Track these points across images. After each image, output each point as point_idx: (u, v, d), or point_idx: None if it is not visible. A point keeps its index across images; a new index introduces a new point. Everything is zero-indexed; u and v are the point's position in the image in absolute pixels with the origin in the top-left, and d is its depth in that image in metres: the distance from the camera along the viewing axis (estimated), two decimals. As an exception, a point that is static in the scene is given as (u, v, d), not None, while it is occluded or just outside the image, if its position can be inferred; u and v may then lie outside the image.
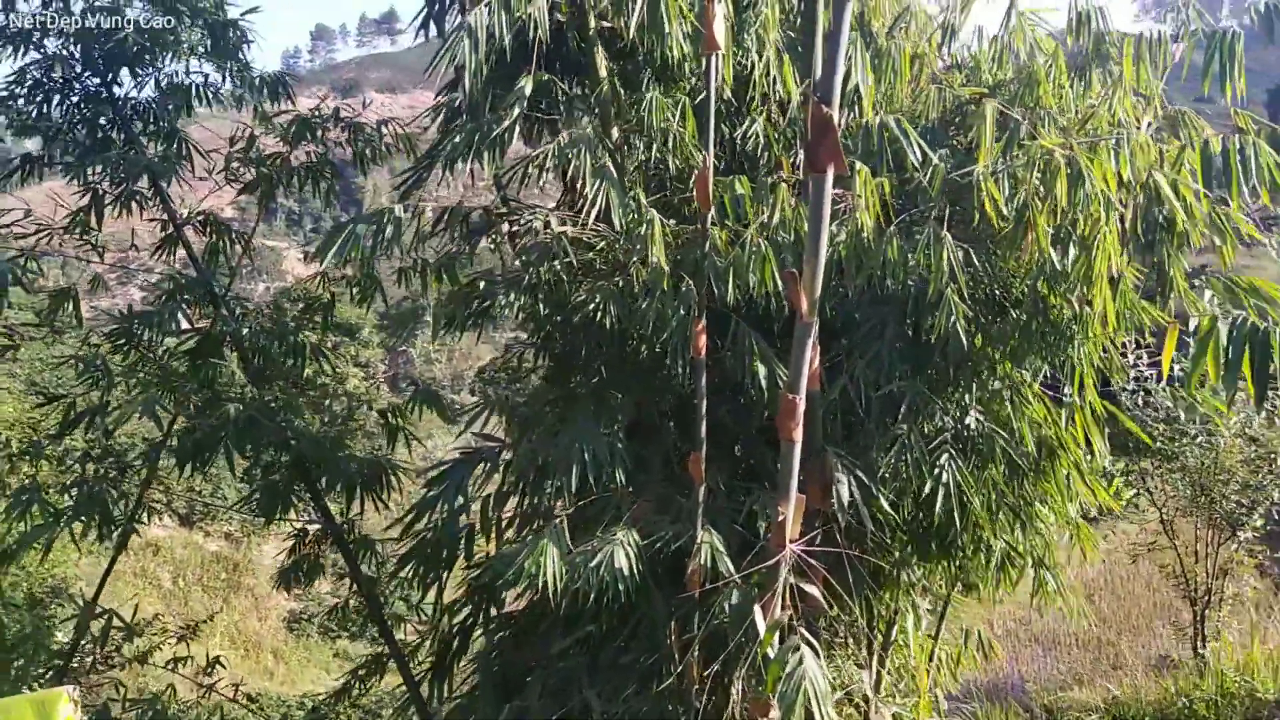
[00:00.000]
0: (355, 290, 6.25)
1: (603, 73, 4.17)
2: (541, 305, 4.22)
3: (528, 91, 4.00)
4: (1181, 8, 4.40)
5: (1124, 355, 5.03)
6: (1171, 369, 5.99)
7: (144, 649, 7.75)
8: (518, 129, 4.09)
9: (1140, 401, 7.39)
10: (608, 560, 4.08)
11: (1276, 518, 7.91)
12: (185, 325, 5.84)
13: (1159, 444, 7.21)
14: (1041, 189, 3.89)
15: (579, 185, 4.09)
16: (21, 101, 5.64)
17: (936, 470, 4.38)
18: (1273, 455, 7.57)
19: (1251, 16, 3.83)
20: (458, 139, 4.01)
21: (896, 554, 5.08)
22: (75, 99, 5.84)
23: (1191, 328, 3.21)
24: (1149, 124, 4.46)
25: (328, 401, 6.94)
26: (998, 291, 4.74)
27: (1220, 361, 3.02)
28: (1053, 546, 5.02)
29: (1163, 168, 4.05)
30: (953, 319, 4.00)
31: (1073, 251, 4.03)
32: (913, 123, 4.65)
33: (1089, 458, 4.78)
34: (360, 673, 6.24)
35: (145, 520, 6.08)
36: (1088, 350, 4.44)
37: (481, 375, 6.38)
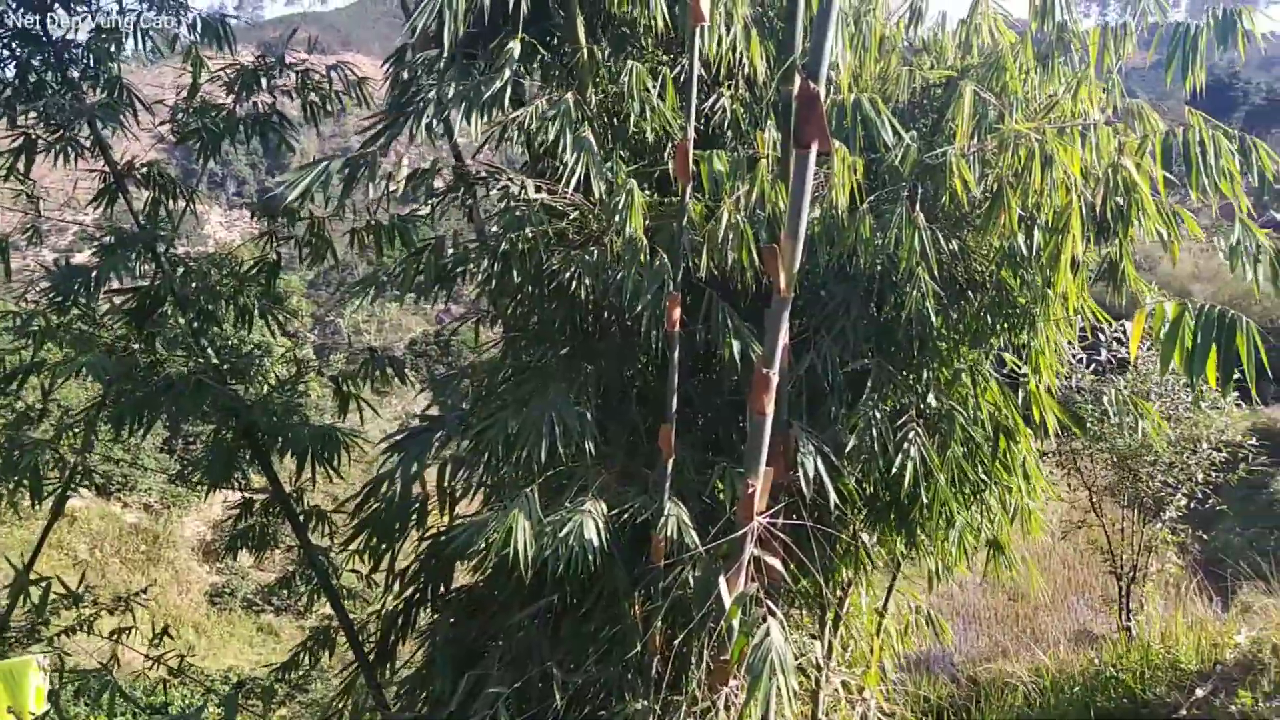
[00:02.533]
0: (306, 250, 6.07)
1: (582, 39, 4.12)
2: (513, 274, 4.16)
3: (517, 53, 3.93)
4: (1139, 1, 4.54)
5: (1069, 343, 5.19)
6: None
7: (75, 620, 7.50)
8: (508, 91, 4.02)
9: (1073, 385, 7.66)
10: (577, 530, 4.07)
11: (1199, 498, 8.29)
12: (124, 284, 5.60)
13: (1088, 426, 7.48)
14: (1013, 172, 3.97)
15: (556, 152, 4.04)
16: None
17: (906, 446, 4.48)
18: (1197, 438, 7.93)
19: (1208, 21, 3.95)
20: (450, 91, 3.90)
21: (856, 528, 5.19)
22: (5, 35, 5.49)
23: (1148, 315, 3.33)
24: (1107, 114, 4.60)
25: (270, 364, 6.75)
26: (960, 273, 4.85)
27: (1186, 349, 3.14)
28: (1006, 523, 5.19)
29: (1123, 157, 4.18)
30: (924, 297, 4.07)
31: (1038, 235, 4.14)
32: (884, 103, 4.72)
33: (1043, 438, 4.93)
34: (309, 645, 6.14)
35: (86, 486, 5.85)
36: (1048, 333, 4.58)
37: (413, 347, 6.27)
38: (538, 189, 4.13)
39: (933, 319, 4.21)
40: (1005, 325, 4.58)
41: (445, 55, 3.85)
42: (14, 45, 5.50)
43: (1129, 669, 7.02)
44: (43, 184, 5.81)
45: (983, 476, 4.83)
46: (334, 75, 5.91)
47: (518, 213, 4.08)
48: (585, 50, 4.13)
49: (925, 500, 4.53)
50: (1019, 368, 4.85)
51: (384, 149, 4.02)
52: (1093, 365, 7.89)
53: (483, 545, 4.07)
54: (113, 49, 5.70)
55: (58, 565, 20.13)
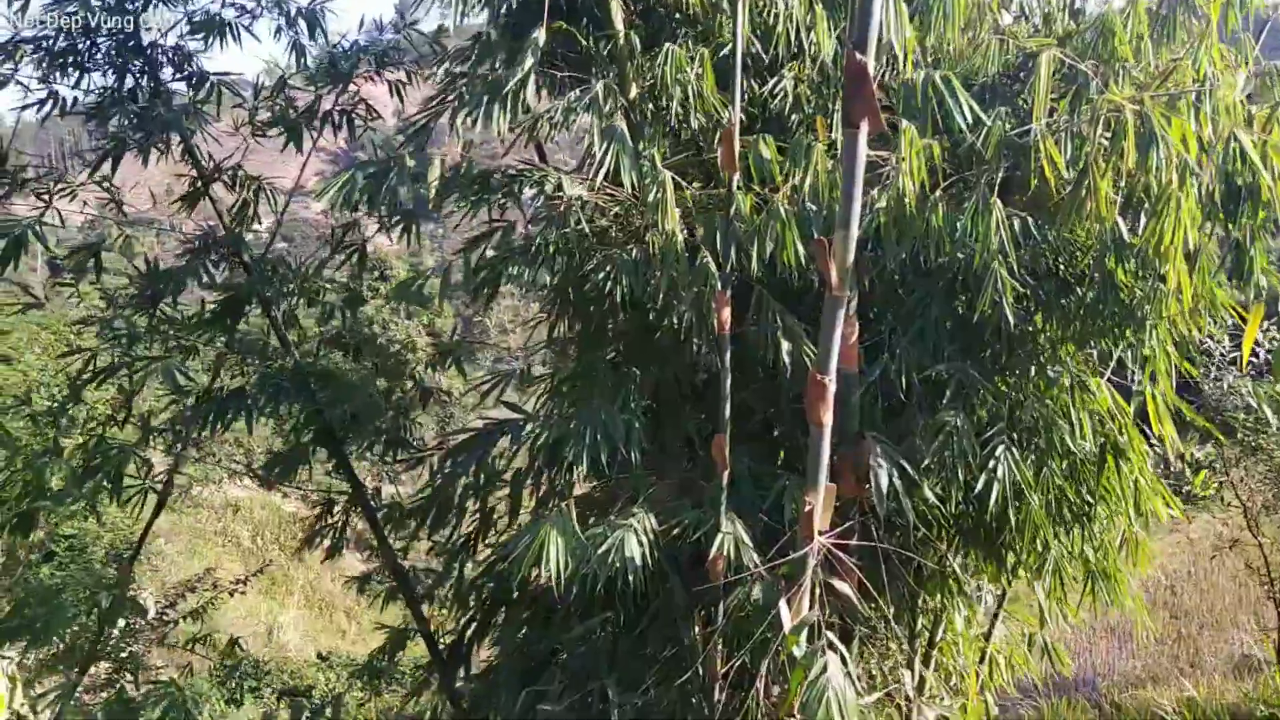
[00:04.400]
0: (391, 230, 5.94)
1: (619, 25, 3.84)
2: (553, 276, 3.94)
3: (541, 42, 3.70)
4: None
5: (1204, 341, 4.51)
6: (1254, 355, 5.44)
7: (201, 603, 7.89)
8: (532, 83, 3.80)
9: (1224, 388, 6.79)
10: (617, 547, 3.82)
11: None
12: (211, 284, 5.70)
13: (1241, 435, 6.61)
14: (1107, 149, 3.44)
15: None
16: (49, 43, 5.43)
17: (991, 463, 4.00)
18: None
19: None
20: (467, 93, 3.75)
21: (942, 550, 4.71)
22: (102, 41, 5.63)
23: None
24: (1242, 80, 3.95)
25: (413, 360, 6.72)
26: (1062, 265, 4.30)
27: None
28: (1112, 551, 4.57)
29: (1251, 130, 3.56)
30: (999, 296, 3.58)
31: (1141, 221, 3.58)
32: (968, 79, 4.22)
33: (1160, 451, 4.32)
34: (386, 648, 6.14)
35: (183, 483, 6.03)
36: (1161, 334, 3.98)
37: (552, 344, 6.10)
38: (576, 185, 3.88)
39: (1009, 319, 3.70)
40: (1112, 324, 4.00)
41: (477, 45, 3.65)
42: (112, 53, 5.63)
43: (1284, 709, 6.19)
44: (134, 184, 5.96)
45: (1087, 498, 4.26)
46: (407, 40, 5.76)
47: (553, 211, 3.85)
48: (622, 35, 3.85)
49: (1016, 523, 4.02)
50: (1132, 374, 4.26)
51: (420, 148, 3.87)
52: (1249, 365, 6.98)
53: (518, 563, 3.86)
54: (212, 46, 5.76)
55: (223, 553, 21.48)
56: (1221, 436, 5.94)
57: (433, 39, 5.50)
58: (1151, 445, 4.38)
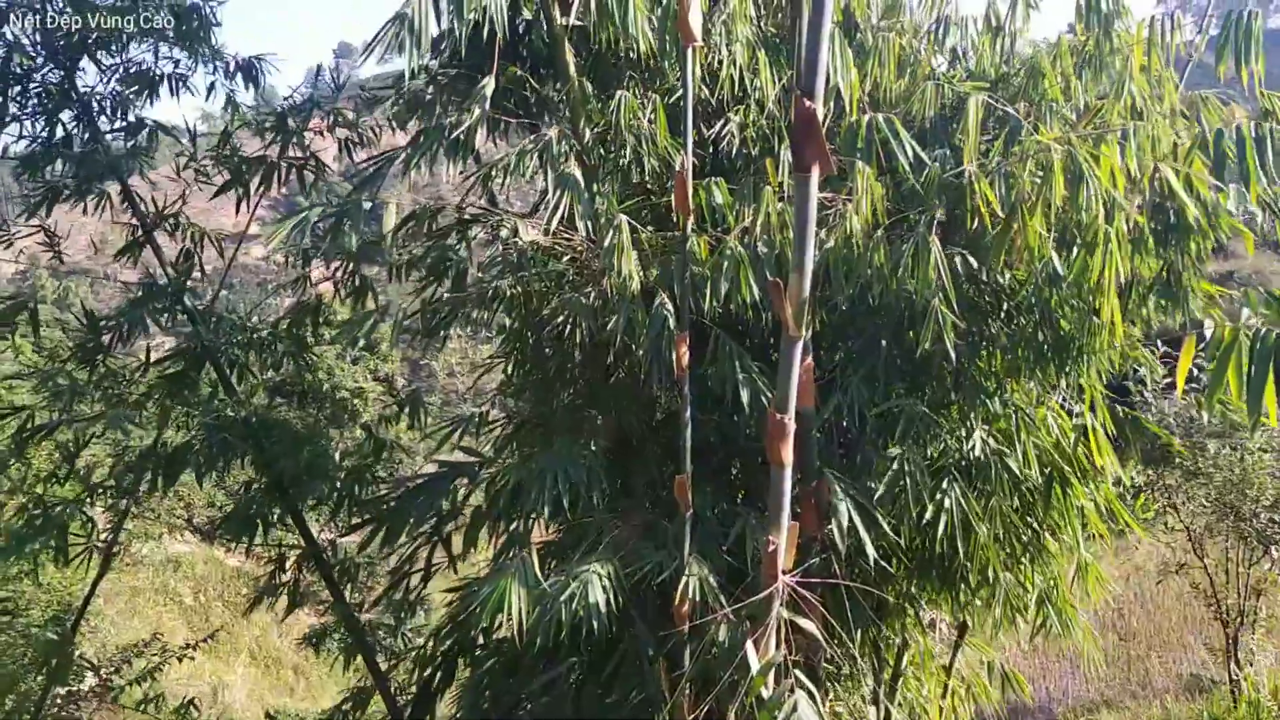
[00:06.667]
0: (344, 291, 5.90)
1: (571, 71, 3.90)
2: (510, 320, 3.94)
3: (489, 92, 3.74)
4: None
5: (1136, 368, 4.66)
6: (1189, 378, 5.61)
7: (148, 667, 7.59)
8: (482, 130, 3.83)
9: (1158, 412, 7.00)
10: (581, 594, 3.79)
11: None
12: (157, 339, 5.59)
13: (1179, 460, 6.81)
14: (1039, 187, 3.57)
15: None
16: None
17: (939, 497, 4.07)
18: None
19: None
20: (419, 141, 3.76)
21: (901, 584, 4.76)
22: (35, 90, 5.52)
23: (1207, 336, 2.89)
24: (1167, 111, 4.13)
25: (319, 410, 6.64)
26: (1003, 301, 4.43)
27: (1242, 378, 2.69)
28: (1061, 581, 4.66)
29: (1175, 160, 3.72)
30: (941, 332, 3.67)
31: (1073, 255, 3.71)
32: (908, 121, 4.36)
33: (1101, 480, 4.43)
34: (345, 707, 5.97)
35: (120, 541, 5.84)
36: (1098, 363, 4.11)
37: (503, 389, 6.06)
38: (539, 230, 3.90)
39: (951, 355, 3.80)
40: (1049, 355, 4.12)
41: (429, 92, 3.68)
42: (44, 100, 5.54)
43: (1237, 729, 6.31)
44: (69, 233, 5.84)
45: (1035, 528, 4.34)
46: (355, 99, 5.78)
47: (511, 256, 3.87)
48: (575, 83, 3.91)
49: (966, 554, 4.08)
50: (1071, 402, 4.38)
51: (371, 194, 3.87)
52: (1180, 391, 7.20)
53: (479, 611, 3.80)
54: (148, 99, 5.71)
55: (164, 611, 20.74)
56: (1173, 440, 6.08)
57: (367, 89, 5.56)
58: (1093, 473, 4.48)
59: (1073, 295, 3.82)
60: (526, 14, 3.99)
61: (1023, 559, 4.40)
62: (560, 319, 3.84)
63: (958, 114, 4.60)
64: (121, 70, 5.69)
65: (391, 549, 4.92)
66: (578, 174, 3.69)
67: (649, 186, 4.25)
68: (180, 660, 8.66)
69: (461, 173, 3.75)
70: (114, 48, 5.52)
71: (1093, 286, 3.60)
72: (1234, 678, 7.49)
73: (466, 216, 4.09)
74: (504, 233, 3.92)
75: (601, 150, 4.07)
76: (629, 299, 3.64)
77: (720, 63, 3.99)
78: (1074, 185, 3.43)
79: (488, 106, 3.67)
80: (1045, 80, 4.24)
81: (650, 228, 4.06)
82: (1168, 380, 7.10)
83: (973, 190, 3.63)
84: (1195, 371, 7.19)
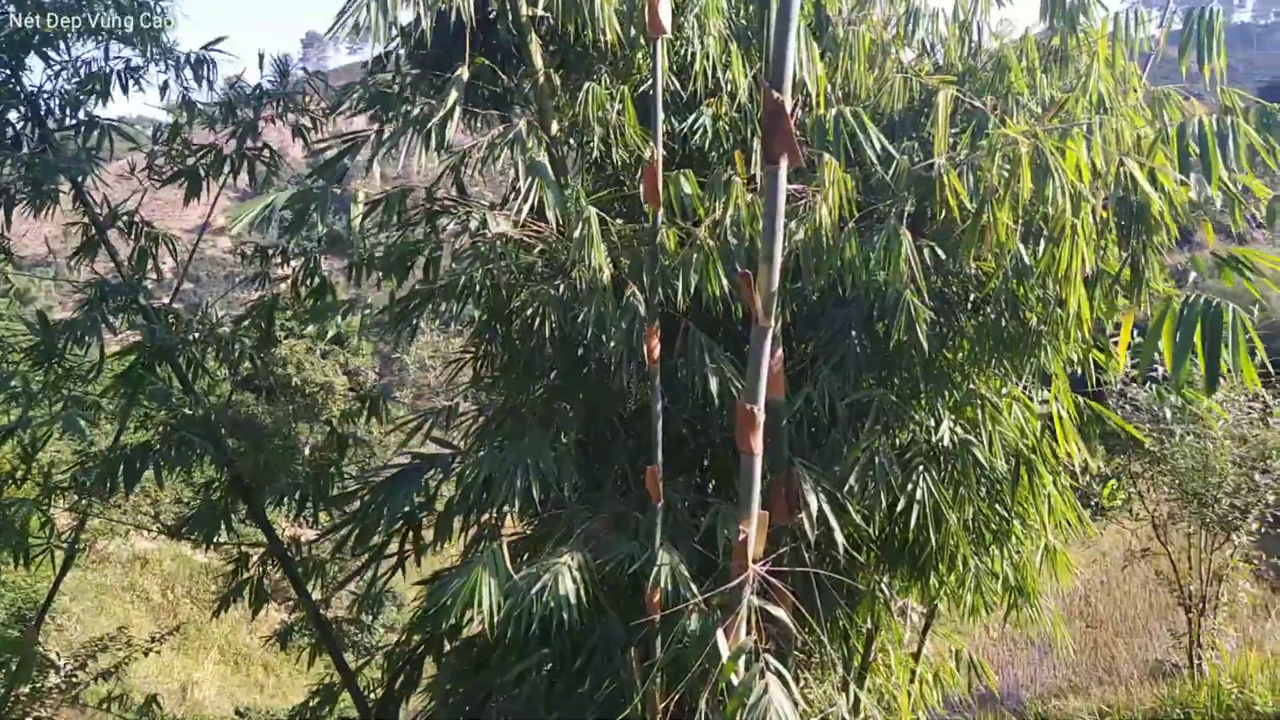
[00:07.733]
0: (304, 290, 5.81)
1: (539, 63, 3.88)
2: (480, 312, 3.92)
3: (465, 79, 3.71)
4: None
5: (1109, 357, 4.72)
6: (1153, 367, 5.71)
7: (113, 663, 7.49)
8: (456, 119, 3.80)
9: (1124, 402, 7.11)
10: (551, 586, 3.79)
11: (1271, 521, 7.62)
12: (110, 336, 5.48)
13: (1145, 447, 6.92)
14: (1006, 180, 3.60)
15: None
16: None
17: (910, 486, 4.11)
18: (1266, 456, 7.29)
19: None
20: (389, 129, 3.72)
21: (871, 572, 4.80)
22: None
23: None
24: (1131, 105, 4.18)
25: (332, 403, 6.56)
26: (971, 292, 4.47)
27: (1174, 343, 2.75)
28: (1030, 568, 4.72)
29: (1139, 153, 3.77)
30: (913, 323, 3.70)
31: (1041, 247, 3.75)
32: (878, 114, 4.38)
33: (1070, 468, 4.48)
34: (311, 703, 5.93)
35: (87, 537, 5.74)
36: (1063, 353, 4.16)
37: (475, 382, 6.01)
38: (509, 220, 3.88)
39: (923, 344, 3.83)
40: (1015, 346, 4.17)
41: (396, 82, 3.65)
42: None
43: (1199, 710, 6.43)
44: (24, 232, 5.73)
45: (1004, 515, 4.40)
46: (309, 86, 5.71)
47: (481, 248, 3.84)
48: (543, 74, 3.89)
49: (936, 543, 4.12)
50: (1034, 391, 4.43)
51: (334, 181, 3.82)
52: (1146, 381, 7.32)
53: (449, 604, 3.79)
54: (100, 98, 5.61)
55: (131, 609, 20.47)
56: (1138, 433, 6.18)
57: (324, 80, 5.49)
58: (1059, 461, 4.53)
59: (1039, 286, 3.86)
60: (493, 3, 3.95)
61: (992, 546, 4.45)
62: (530, 311, 3.83)
63: (926, 107, 4.64)
64: (70, 69, 5.58)
65: (364, 548, 4.90)
66: (547, 164, 3.67)
67: (620, 178, 4.24)
68: (146, 655, 8.57)
69: (433, 164, 3.71)
70: (61, 45, 5.40)
71: (1060, 278, 3.64)
72: (1196, 662, 7.63)
73: (437, 208, 4.05)
74: (473, 224, 3.89)
75: (570, 142, 4.05)
76: (599, 291, 3.63)
77: (692, 56, 3.98)
78: (1040, 178, 3.47)
79: (462, 95, 3.65)
80: (1012, 74, 4.27)
81: (620, 220, 4.05)
82: (1133, 371, 7.20)
83: (942, 183, 3.65)
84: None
